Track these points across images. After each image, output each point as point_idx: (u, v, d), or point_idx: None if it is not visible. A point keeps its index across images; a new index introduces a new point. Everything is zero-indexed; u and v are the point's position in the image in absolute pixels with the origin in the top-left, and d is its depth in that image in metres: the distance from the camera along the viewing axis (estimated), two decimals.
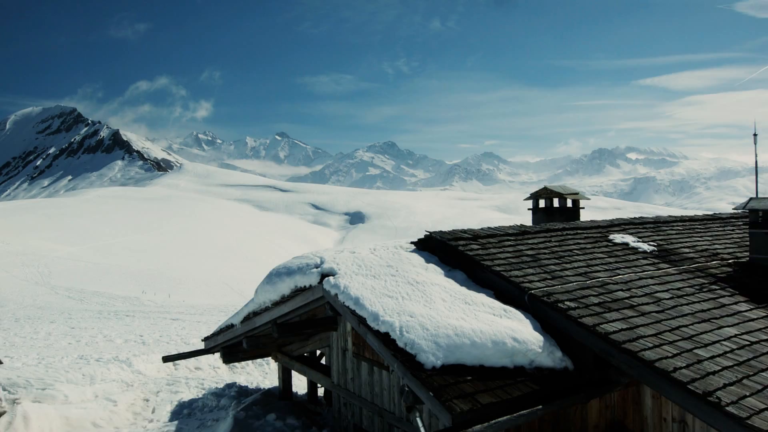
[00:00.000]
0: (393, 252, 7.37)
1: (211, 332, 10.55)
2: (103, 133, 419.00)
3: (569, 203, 11.02)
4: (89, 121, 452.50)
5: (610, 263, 7.62)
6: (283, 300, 7.54)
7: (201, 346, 18.83)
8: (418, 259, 7.19)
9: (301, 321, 8.00)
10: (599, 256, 7.85)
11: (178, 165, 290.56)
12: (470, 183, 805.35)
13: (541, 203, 11.24)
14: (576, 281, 6.78)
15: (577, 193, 11.05)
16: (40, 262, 61.12)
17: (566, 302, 6.10)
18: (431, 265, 7.05)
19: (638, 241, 8.61)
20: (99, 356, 14.36)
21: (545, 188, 11.12)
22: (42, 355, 14.70)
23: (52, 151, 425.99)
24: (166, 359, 10.28)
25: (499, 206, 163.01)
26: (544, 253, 7.58)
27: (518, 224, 8.85)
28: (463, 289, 6.44)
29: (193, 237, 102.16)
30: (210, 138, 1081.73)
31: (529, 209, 11.44)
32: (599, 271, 7.23)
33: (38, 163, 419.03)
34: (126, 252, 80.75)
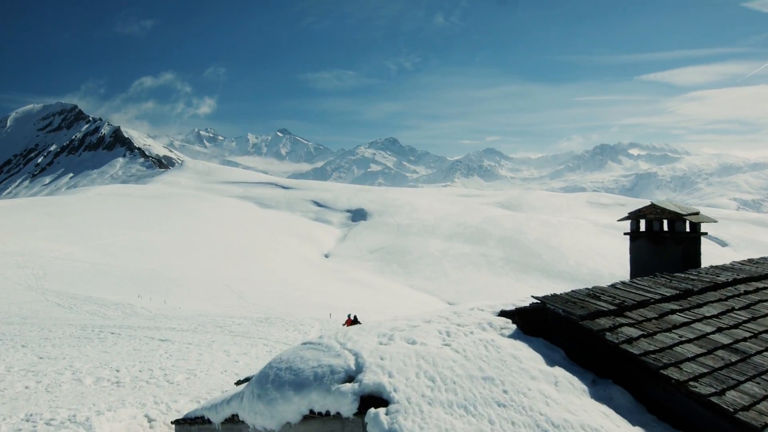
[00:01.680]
0: (482, 341, 4.09)
1: (185, 410, 7.47)
2: (104, 130, 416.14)
3: (686, 227, 7.79)
4: (90, 119, 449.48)
5: None
6: (289, 427, 4.29)
7: (185, 385, 15.74)
8: (531, 358, 3.92)
9: None
10: None
11: (180, 162, 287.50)
12: (472, 179, 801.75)
13: (643, 225, 8.04)
14: None
15: (697, 213, 7.84)
16: (35, 263, 58.45)
17: None
18: (559, 372, 3.80)
19: None
20: (53, 414, 11.28)
21: (652, 205, 7.92)
22: None
23: (53, 148, 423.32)
24: None
25: (502, 203, 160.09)
26: (744, 338, 4.39)
27: (666, 275, 5.64)
28: None
29: (193, 235, 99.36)
30: (212, 135, 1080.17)
31: (626, 234, 8.22)
32: None
33: (39, 160, 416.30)
34: (125, 251, 78.00)
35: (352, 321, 23.21)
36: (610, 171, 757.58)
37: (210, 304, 40.64)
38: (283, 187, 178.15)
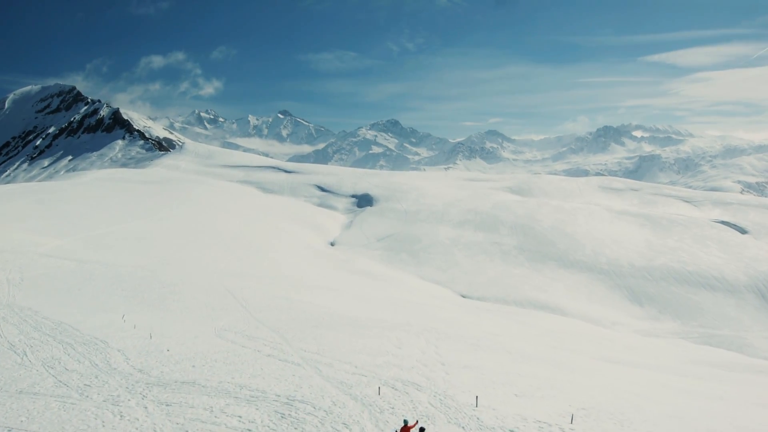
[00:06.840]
0: None
1: None
2: (103, 112, 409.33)
3: None
4: (89, 100, 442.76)
5: None
6: None
7: None
8: None
9: None
10: None
11: (180, 144, 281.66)
12: (474, 161, 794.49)
13: None
14: None
15: None
16: (15, 263, 53.10)
17: None
18: None
19: None
20: None
21: None
22: None
23: (51, 130, 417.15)
24: None
25: (512, 187, 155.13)
26: None
27: None
28: None
29: (193, 224, 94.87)
30: (212, 116, 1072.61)
31: None
32: None
33: (38, 142, 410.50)
34: (120, 243, 73.50)
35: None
36: (614, 153, 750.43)
37: (209, 331, 33.31)
38: (286, 171, 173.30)
